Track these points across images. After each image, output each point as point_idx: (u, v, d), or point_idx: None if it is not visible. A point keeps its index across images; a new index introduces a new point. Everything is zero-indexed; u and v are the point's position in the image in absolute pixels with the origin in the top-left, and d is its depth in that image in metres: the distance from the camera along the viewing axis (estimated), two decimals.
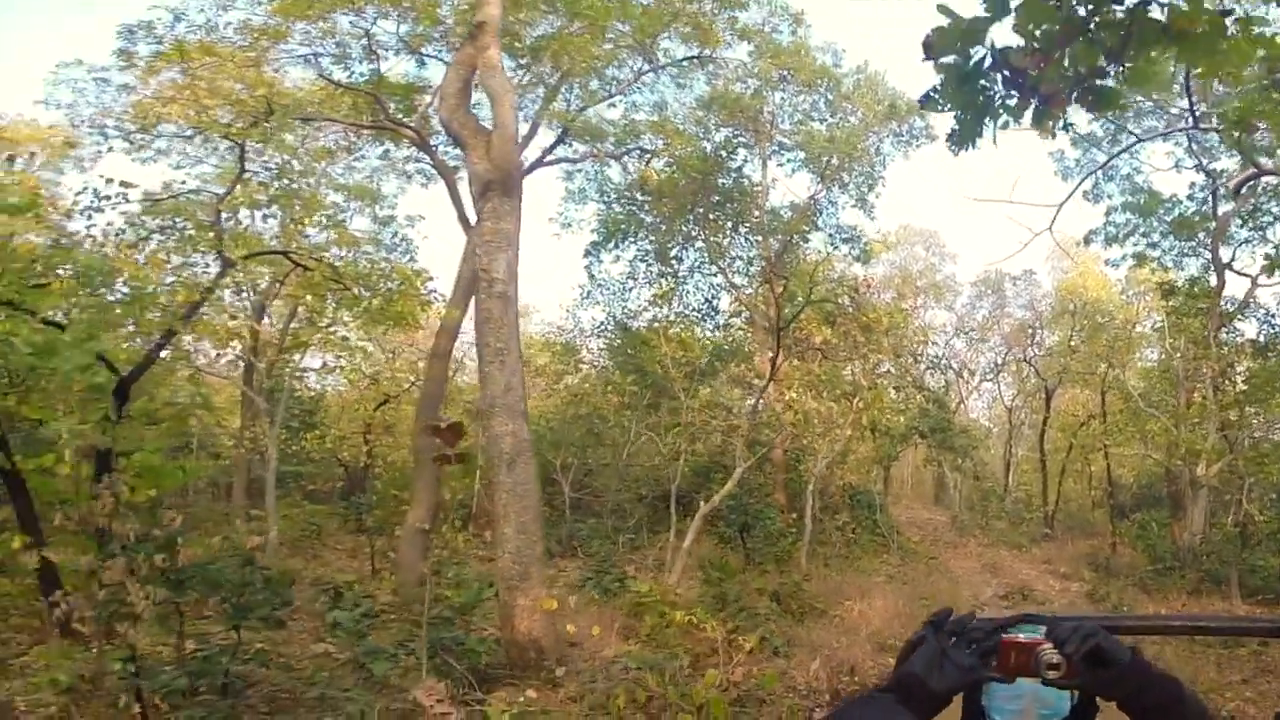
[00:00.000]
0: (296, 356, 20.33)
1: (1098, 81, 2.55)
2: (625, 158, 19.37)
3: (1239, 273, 19.54)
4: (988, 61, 2.53)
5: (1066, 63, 2.50)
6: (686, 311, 22.34)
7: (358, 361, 19.81)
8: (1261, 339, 18.76)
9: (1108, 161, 19.78)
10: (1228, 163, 18.30)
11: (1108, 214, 21.06)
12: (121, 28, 13.22)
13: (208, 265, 12.82)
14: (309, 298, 15.62)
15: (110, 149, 13.05)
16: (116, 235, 10.34)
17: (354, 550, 17.01)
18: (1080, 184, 19.36)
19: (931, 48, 2.47)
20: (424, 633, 6.38)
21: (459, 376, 23.82)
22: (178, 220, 11.80)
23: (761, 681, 7.78)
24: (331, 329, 17.05)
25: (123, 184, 9.60)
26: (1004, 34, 2.63)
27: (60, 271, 7.97)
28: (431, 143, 16.60)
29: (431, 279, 14.63)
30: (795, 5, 19.23)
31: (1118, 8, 2.44)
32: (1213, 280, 19.22)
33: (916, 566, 18.80)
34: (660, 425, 18.55)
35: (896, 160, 24.00)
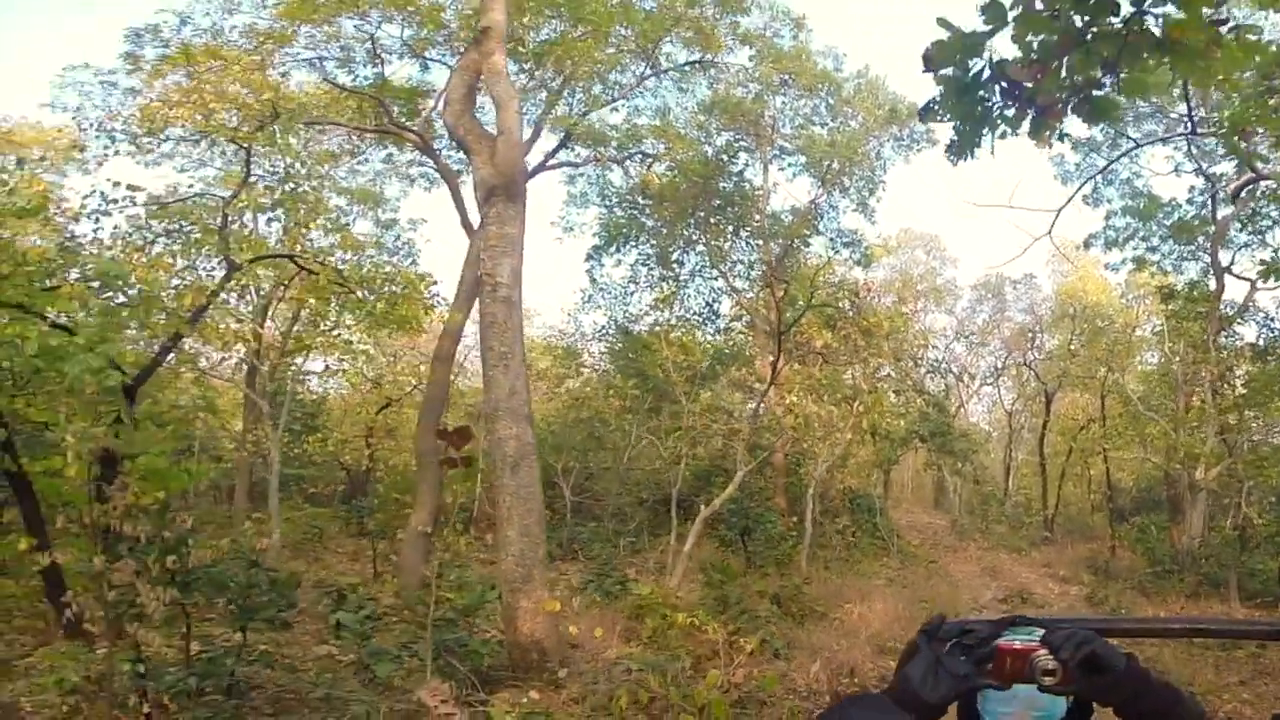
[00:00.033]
0: (299, 359, 20.38)
1: (1094, 92, 2.61)
2: (627, 162, 19.44)
3: (1238, 276, 19.63)
4: (986, 74, 2.60)
5: (1063, 73, 2.56)
6: (687, 315, 22.41)
7: (360, 365, 19.87)
8: (1260, 343, 18.81)
9: (1107, 166, 19.86)
10: (1226, 167, 18.40)
11: (1107, 218, 21.18)
12: (128, 31, 13.34)
13: (211, 269, 12.92)
14: (313, 301, 15.68)
15: (117, 152, 13.09)
16: (125, 238, 10.41)
17: (355, 553, 17.06)
18: (1080, 188, 19.44)
19: (931, 60, 2.53)
20: (429, 634, 6.42)
21: (459, 380, 23.87)
22: (184, 223, 11.87)
23: (762, 683, 7.83)
24: (335, 332, 17.12)
25: (130, 187, 9.68)
26: (1001, 47, 2.70)
27: (70, 275, 8.04)
28: (435, 146, 16.68)
29: (435, 283, 14.69)
30: (797, 7, 19.35)
31: (1114, 19, 2.51)
32: (1212, 284, 19.30)
33: (916, 570, 18.84)
34: (661, 429, 18.59)
35: (897, 164, 24.17)
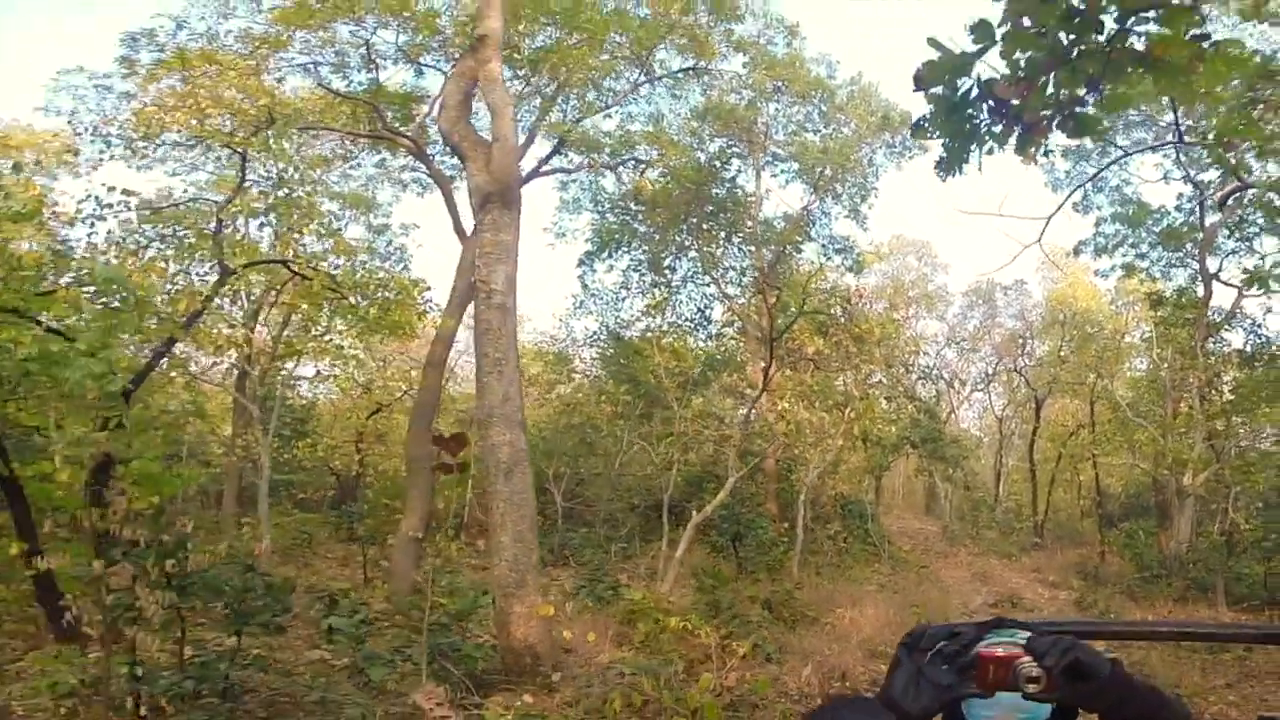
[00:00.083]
0: (290, 364, 20.37)
1: (1078, 108, 2.69)
2: (620, 168, 19.51)
3: (1226, 283, 19.74)
4: (974, 92, 2.68)
5: (1049, 90, 2.64)
6: (679, 321, 22.44)
7: (351, 370, 19.88)
8: (1248, 349, 18.92)
9: (1096, 174, 20.01)
10: (1214, 174, 18.55)
11: (1097, 225, 21.32)
12: (124, 35, 13.35)
13: (203, 274, 12.93)
14: (304, 306, 15.70)
15: (112, 157, 13.09)
16: (119, 242, 10.42)
17: (345, 559, 17.04)
18: (1069, 196, 19.57)
19: (922, 80, 2.61)
20: (424, 638, 6.46)
21: (450, 385, 23.88)
22: (177, 228, 11.88)
23: (755, 687, 7.88)
24: (327, 337, 17.13)
25: (125, 192, 9.70)
26: (988, 67, 2.77)
27: (64, 279, 8.06)
28: (428, 152, 16.72)
29: (429, 289, 14.73)
30: (797, 12, 19.49)
31: (1098, 36, 2.58)
32: (1200, 291, 19.45)
33: (907, 575, 18.91)
34: (653, 435, 18.65)
35: (889, 171, 24.21)
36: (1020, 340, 33.30)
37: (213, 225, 12.16)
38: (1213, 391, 19.13)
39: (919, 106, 2.96)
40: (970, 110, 2.71)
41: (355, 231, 19.24)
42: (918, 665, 1.30)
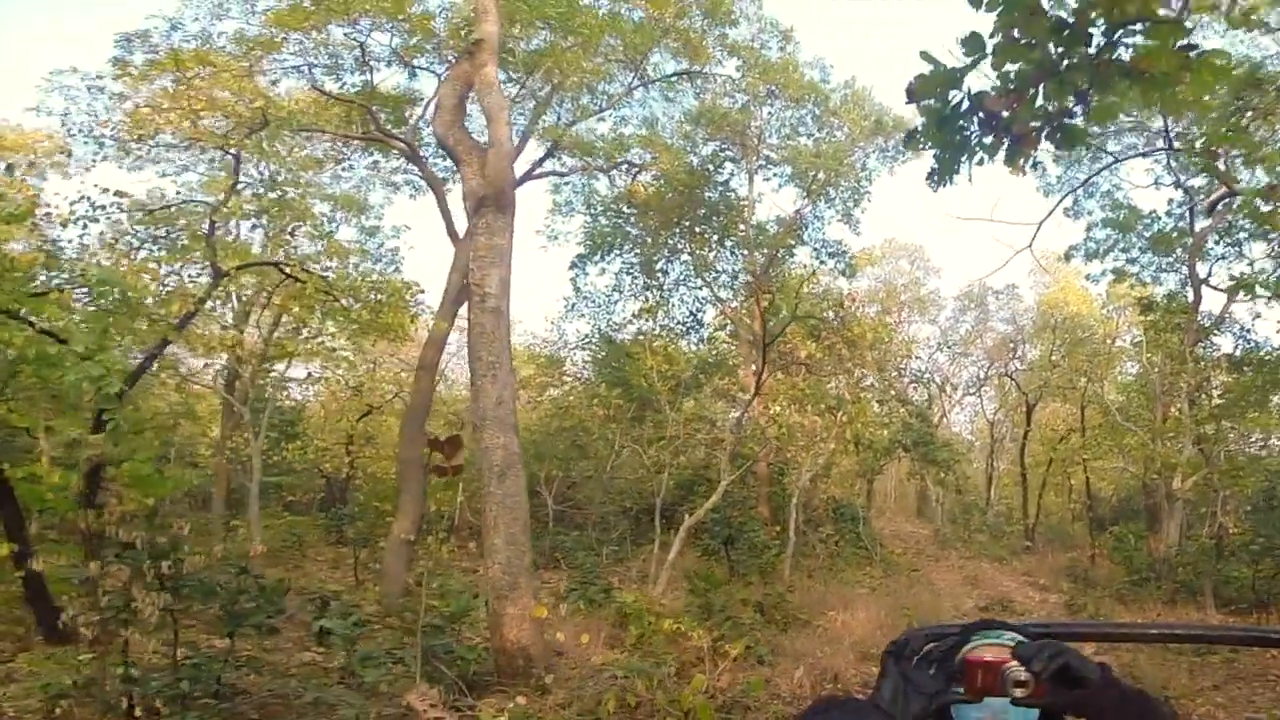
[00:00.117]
0: (280, 366, 20.32)
1: (1066, 120, 2.74)
2: (613, 171, 19.53)
3: (1215, 288, 19.90)
4: (965, 105, 2.73)
5: (1038, 102, 2.69)
6: (671, 325, 22.46)
7: (342, 372, 19.84)
8: (1237, 354, 19.04)
9: (1087, 180, 20.15)
10: (1205, 180, 18.68)
11: (1088, 230, 21.46)
12: (119, 36, 13.31)
13: (192, 275, 12.89)
14: (296, 309, 15.67)
15: (105, 158, 13.06)
16: (110, 244, 10.40)
17: (335, 561, 17.02)
18: (1060, 202, 19.74)
19: (914, 94, 2.67)
20: (419, 639, 6.48)
21: (440, 387, 23.86)
22: (170, 230, 11.86)
23: (747, 688, 7.91)
24: (319, 339, 17.11)
25: (118, 193, 9.69)
26: (978, 81, 2.82)
27: (55, 280, 8.05)
28: (421, 154, 16.72)
29: (422, 291, 14.73)
30: (791, 12, 19.58)
31: (1087, 49, 2.63)
32: (1190, 296, 19.57)
33: (899, 578, 18.95)
34: (644, 438, 18.65)
35: (882, 175, 24.32)
36: (1012, 344, 33.40)
37: (205, 227, 12.16)
38: (1202, 396, 19.23)
39: (913, 110, 3.01)
40: (961, 122, 2.76)
41: (347, 233, 19.25)
42: (904, 672, 1.30)
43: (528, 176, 18.47)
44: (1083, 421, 26.03)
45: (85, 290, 8.40)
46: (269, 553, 15.98)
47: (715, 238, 21.38)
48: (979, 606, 16.27)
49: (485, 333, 9.14)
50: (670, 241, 21.24)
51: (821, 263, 21.94)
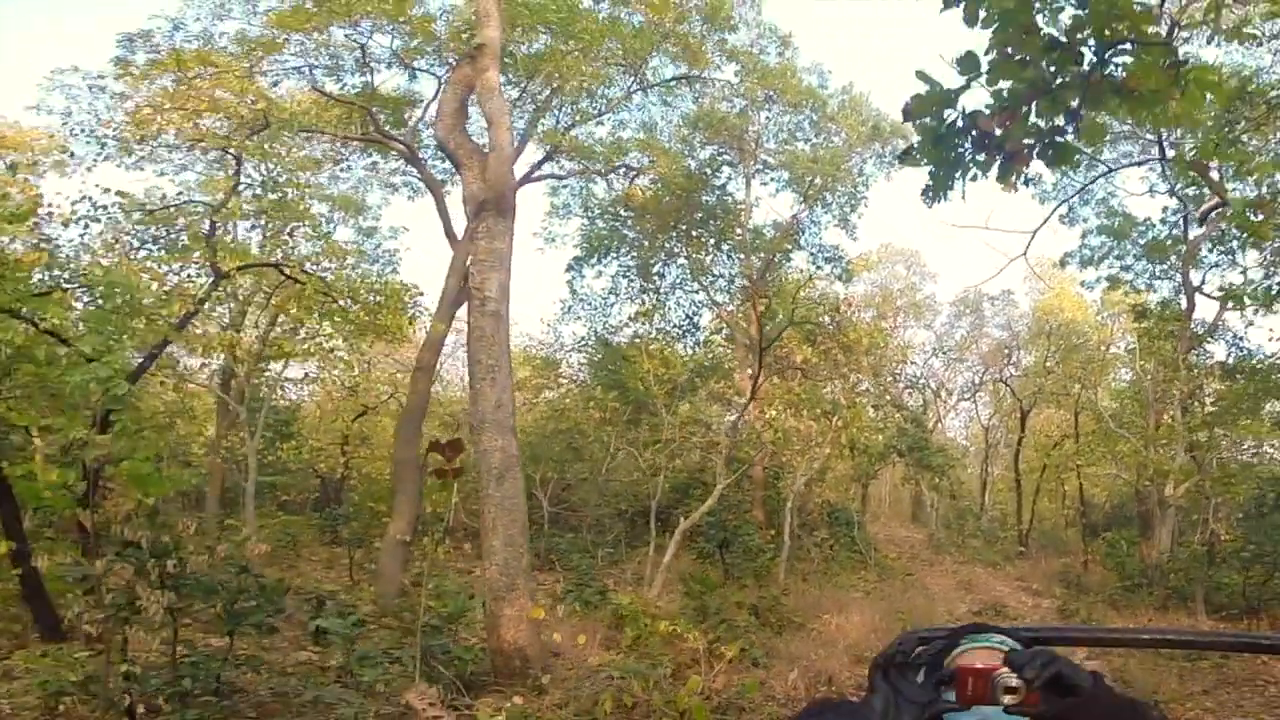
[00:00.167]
0: (276, 366, 20.33)
1: (1057, 138, 2.82)
2: (611, 175, 19.59)
3: (1209, 296, 20.02)
4: (959, 124, 2.81)
5: (1030, 120, 2.78)
6: (668, 328, 22.52)
7: (338, 373, 19.86)
8: (1230, 361, 19.14)
9: (1082, 189, 20.25)
10: (1199, 188, 18.78)
11: (1083, 237, 21.58)
12: (121, 36, 13.35)
13: (190, 275, 12.91)
14: (293, 310, 15.69)
15: (107, 158, 13.08)
16: (111, 244, 10.44)
17: (330, 561, 17.03)
18: (1056, 209, 19.81)
19: (910, 114, 2.75)
20: (418, 639, 6.54)
21: (435, 388, 23.87)
22: (169, 230, 11.89)
23: (742, 690, 7.98)
24: (316, 340, 17.13)
25: (119, 194, 9.73)
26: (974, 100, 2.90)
27: (57, 279, 8.09)
28: (420, 156, 16.77)
29: (421, 294, 14.78)
30: (791, 12, 19.67)
31: (1078, 67, 2.71)
32: (1183, 303, 19.68)
33: (893, 583, 19.01)
34: (640, 441, 18.70)
35: (879, 181, 24.37)
36: (1006, 350, 33.51)
37: (205, 227, 12.19)
38: (1195, 403, 19.35)
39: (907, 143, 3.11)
40: (955, 140, 2.84)
41: (344, 234, 19.28)
42: (894, 685, 1.29)
43: (526, 179, 18.51)
44: (1076, 428, 26.16)
45: (84, 289, 8.46)
46: (263, 552, 16.01)
47: (712, 241, 21.46)
48: (972, 611, 16.35)
49: (485, 336, 9.21)
50: (667, 245, 21.31)
51: (818, 268, 22.03)
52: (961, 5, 2.71)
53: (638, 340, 20.06)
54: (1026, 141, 2.78)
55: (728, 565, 17.29)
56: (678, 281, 22.51)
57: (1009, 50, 2.68)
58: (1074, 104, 2.71)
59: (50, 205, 10.11)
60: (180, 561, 5.31)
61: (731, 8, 18.01)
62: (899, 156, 3.10)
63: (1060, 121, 2.76)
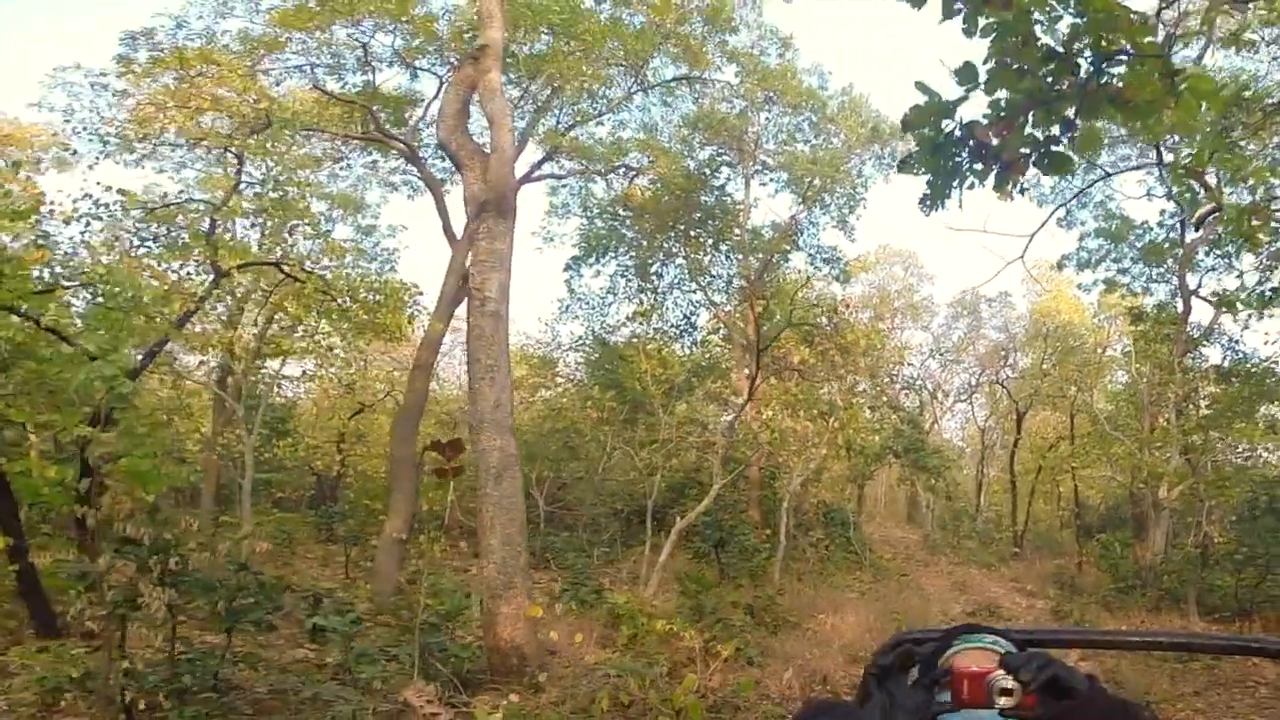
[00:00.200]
0: (273, 363, 20.31)
1: (1052, 148, 2.87)
2: (611, 175, 19.62)
3: (1205, 299, 20.08)
4: (957, 134, 2.86)
5: (1027, 129, 2.83)
6: (665, 327, 22.55)
7: (336, 370, 19.85)
8: (1225, 365, 19.22)
9: (1080, 193, 20.32)
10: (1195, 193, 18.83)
11: (1081, 240, 21.64)
12: (124, 34, 13.36)
13: (189, 273, 12.92)
14: (291, 308, 15.69)
15: (108, 156, 13.08)
16: (111, 242, 10.45)
17: (325, 559, 17.02)
18: (1053, 213, 19.88)
19: (909, 124, 2.80)
20: (416, 637, 6.57)
21: (431, 386, 23.85)
22: (171, 228, 11.90)
23: (737, 688, 8.03)
24: (315, 337, 17.13)
25: (121, 192, 9.74)
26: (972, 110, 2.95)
27: (59, 277, 8.11)
28: (421, 155, 16.79)
29: (420, 293, 14.79)
30: (791, 13, 19.71)
31: (1075, 77, 2.76)
32: (1179, 307, 19.75)
33: (888, 583, 19.07)
34: (637, 440, 18.73)
35: (877, 183, 24.40)
36: (1003, 352, 33.60)
37: (205, 225, 12.20)
38: (1190, 406, 19.42)
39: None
40: (953, 150, 2.89)
41: (342, 232, 19.28)
42: (889, 692, 1.29)
43: (525, 179, 18.53)
44: (1072, 430, 26.25)
45: (85, 287, 8.47)
46: (263, 550, 16.02)
47: (710, 242, 21.49)
48: (966, 612, 16.41)
49: (484, 336, 9.24)
50: (665, 245, 21.34)
51: (816, 268, 22.07)
52: (961, 15, 2.76)
53: (635, 340, 20.10)
54: (1023, 151, 2.84)
55: (723, 565, 17.33)
56: (676, 281, 22.56)
57: (1007, 60, 2.73)
58: (1070, 114, 2.76)
59: (52, 202, 10.16)
60: (182, 559, 5.34)
61: (732, 9, 18.05)
62: (898, 165, 3.15)
63: (1056, 131, 2.81)
